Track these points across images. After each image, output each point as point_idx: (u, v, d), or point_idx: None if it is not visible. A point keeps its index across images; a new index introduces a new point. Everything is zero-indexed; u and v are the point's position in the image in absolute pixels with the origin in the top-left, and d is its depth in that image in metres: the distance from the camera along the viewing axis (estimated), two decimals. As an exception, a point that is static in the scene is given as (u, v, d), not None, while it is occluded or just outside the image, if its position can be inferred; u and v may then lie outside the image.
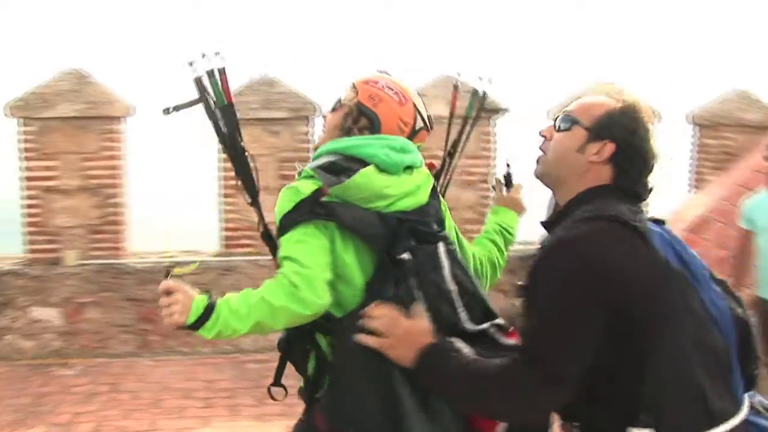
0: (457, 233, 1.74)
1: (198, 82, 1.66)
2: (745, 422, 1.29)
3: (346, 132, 1.64)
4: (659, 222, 1.38)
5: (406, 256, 1.48)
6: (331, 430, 1.54)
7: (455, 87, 2.05)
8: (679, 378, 1.22)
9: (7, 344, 5.06)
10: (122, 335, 5.11)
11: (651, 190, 1.39)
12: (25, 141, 5.08)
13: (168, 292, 1.45)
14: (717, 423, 1.23)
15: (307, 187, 1.54)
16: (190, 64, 1.63)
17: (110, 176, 5.14)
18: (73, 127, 5.07)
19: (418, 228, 1.54)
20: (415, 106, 1.67)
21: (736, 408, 1.28)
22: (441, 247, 1.56)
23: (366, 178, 1.52)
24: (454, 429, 1.46)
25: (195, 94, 1.67)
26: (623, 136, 1.34)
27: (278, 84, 5.25)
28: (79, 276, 5.08)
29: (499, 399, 1.32)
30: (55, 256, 5.13)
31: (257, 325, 1.47)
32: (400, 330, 1.42)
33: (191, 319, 1.44)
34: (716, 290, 1.33)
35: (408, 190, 1.59)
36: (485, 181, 5.31)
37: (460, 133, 2.06)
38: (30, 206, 5.14)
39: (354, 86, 1.68)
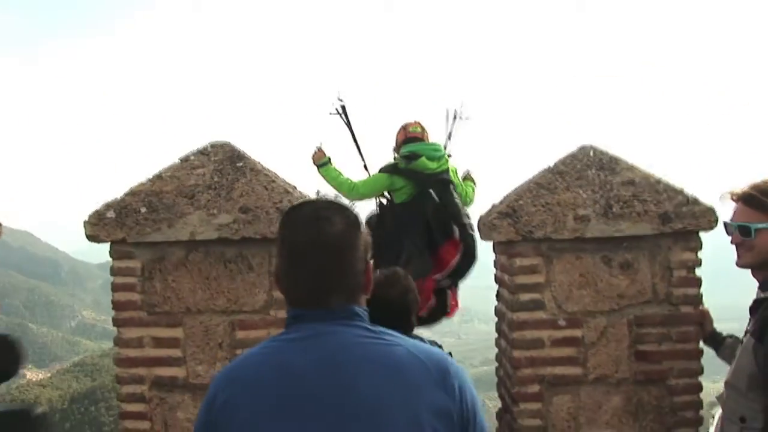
0: (457, 184, 3.97)
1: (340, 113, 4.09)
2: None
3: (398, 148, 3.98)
4: None
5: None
6: None
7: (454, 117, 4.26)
8: None
9: None
10: None
11: None
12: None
13: (319, 149, 4.02)
14: None
15: (395, 161, 3.93)
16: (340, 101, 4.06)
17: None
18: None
19: (437, 176, 3.75)
20: (403, 129, 3.93)
21: None
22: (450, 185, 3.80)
23: (422, 162, 3.73)
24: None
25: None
26: None
27: (623, 166, 2.75)
28: None
29: None
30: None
31: (332, 184, 3.94)
32: None
33: (316, 162, 3.96)
34: None
35: (437, 166, 3.73)
36: None
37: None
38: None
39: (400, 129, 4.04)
